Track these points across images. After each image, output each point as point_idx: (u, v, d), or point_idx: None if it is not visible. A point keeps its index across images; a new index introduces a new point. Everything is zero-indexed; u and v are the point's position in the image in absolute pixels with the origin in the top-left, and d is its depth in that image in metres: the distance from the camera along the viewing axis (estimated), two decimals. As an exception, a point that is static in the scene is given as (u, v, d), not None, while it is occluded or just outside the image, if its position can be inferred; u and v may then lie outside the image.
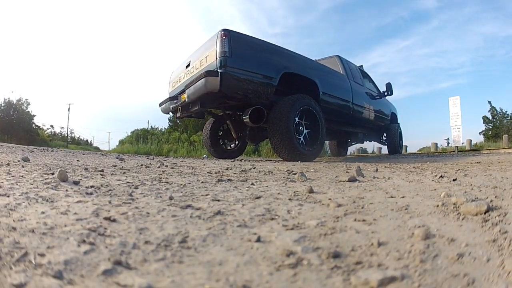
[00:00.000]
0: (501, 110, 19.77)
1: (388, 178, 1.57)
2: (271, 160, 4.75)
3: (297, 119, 3.61)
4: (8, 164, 1.67)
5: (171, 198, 0.89)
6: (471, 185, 1.22)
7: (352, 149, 12.36)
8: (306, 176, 1.56)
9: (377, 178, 1.59)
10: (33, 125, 23.50)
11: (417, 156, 6.21)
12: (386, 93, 6.13)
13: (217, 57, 3.22)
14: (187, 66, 4.06)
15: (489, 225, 0.64)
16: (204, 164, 2.68)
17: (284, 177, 1.61)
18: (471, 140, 11.28)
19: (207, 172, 1.77)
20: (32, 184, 1.02)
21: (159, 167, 2.09)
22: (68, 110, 32.05)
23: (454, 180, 1.40)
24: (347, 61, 5.42)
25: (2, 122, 20.39)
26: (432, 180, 1.45)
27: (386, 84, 6.14)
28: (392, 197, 0.98)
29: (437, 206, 0.81)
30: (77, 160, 2.51)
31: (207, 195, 0.98)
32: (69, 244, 0.49)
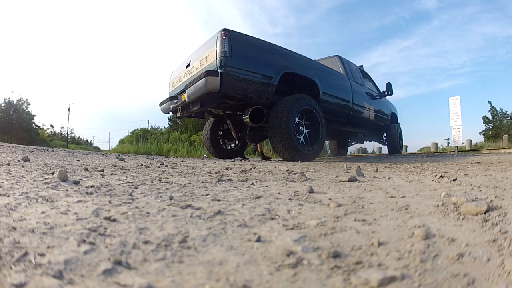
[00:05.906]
0: (501, 110, 19.80)
1: (388, 178, 1.57)
2: (271, 160, 4.75)
3: (297, 119, 3.61)
4: (8, 164, 1.67)
5: (171, 198, 0.89)
6: (471, 185, 1.22)
7: (352, 149, 12.37)
8: (306, 176, 1.56)
9: (377, 178, 1.59)
10: (33, 125, 23.50)
11: (417, 156, 6.20)
12: (386, 93, 6.14)
13: (217, 57, 3.22)
14: (187, 66, 4.06)
15: (489, 225, 0.64)
16: (204, 164, 2.68)
17: (284, 177, 1.61)
18: (471, 140, 11.29)
19: (207, 172, 1.77)
20: (32, 184, 1.02)
21: (159, 167, 2.09)
22: (68, 110, 32.05)
23: (454, 180, 1.40)
24: (347, 61, 5.42)
25: (2, 122, 20.40)
26: (432, 180, 1.45)
27: (386, 84, 6.15)
28: (392, 197, 0.98)
29: (437, 206, 0.81)
30: (77, 160, 2.51)
31: (207, 195, 0.97)
32: (69, 244, 0.49)
